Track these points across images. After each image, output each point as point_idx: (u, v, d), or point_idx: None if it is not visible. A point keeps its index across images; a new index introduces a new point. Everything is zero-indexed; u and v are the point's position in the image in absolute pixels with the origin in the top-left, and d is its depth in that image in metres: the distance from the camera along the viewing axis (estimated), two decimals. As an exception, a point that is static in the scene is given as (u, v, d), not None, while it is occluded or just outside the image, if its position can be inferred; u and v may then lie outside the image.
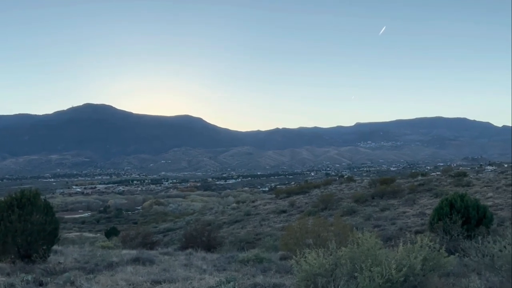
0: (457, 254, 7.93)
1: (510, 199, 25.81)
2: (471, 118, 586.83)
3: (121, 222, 72.63)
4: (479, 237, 7.68)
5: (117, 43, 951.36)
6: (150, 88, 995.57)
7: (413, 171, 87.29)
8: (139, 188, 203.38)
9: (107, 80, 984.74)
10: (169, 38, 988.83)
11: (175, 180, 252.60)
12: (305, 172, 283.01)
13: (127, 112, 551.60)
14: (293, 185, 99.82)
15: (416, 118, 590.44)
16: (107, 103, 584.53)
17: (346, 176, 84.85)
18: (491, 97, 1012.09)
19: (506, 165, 74.02)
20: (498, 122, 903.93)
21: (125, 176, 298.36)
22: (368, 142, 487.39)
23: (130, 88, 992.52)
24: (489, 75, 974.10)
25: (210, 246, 18.08)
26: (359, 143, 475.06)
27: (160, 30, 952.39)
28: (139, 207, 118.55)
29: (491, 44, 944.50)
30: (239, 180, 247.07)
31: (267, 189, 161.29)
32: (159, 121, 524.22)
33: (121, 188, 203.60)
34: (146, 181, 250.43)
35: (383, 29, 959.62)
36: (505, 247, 6.61)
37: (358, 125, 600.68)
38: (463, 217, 12.87)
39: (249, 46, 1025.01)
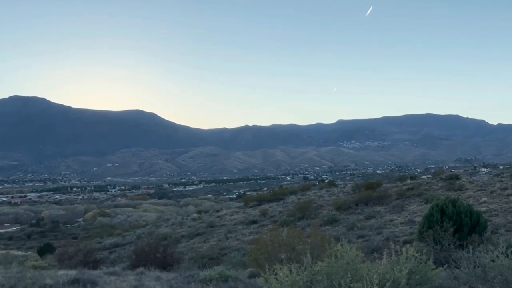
0: (448, 265, 8.25)
1: (505, 204, 26.94)
2: (464, 116, 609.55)
3: (57, 237, 71.82)
4: (471, 247, 8.03)
5: (51, 25, 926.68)
6: (93, 78, 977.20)
7: (401, 174, 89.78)
8: (80, 197, 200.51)
9: (40, 69, 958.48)
10: (116, 20, 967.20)
11: (123, 187, 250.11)
12: (279, 176, 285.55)
13: (64, 106, 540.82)
14: (266, 192, 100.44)
15: (404, 115, 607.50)
16: (39, 96, 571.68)
17: (326, 181, 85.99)
18: (485, 93, 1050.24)
19: (501, 167, 77.32)
20: (493, 120, 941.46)
21: (62, 183, 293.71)
22: (352, 141, 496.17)
23: (68, 78, 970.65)
24: (484, 69, 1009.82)
25: (165, 264, 18.03)
26: (341, 143, 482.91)
27: (104, 11, 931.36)
28: (79, 219, 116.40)
29: (487, 36, 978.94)
30: (201, 186, 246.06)
31: (234, 196, 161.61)
32: (105, 117, 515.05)
33: (57, 196, 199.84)
34: (89, 188, 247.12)
35: (370, 9, 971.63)
36: (497, 256, 6.92)
37: (341, 122, 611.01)
38: (455, 225, 13.42)
39: (213, 31, 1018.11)
